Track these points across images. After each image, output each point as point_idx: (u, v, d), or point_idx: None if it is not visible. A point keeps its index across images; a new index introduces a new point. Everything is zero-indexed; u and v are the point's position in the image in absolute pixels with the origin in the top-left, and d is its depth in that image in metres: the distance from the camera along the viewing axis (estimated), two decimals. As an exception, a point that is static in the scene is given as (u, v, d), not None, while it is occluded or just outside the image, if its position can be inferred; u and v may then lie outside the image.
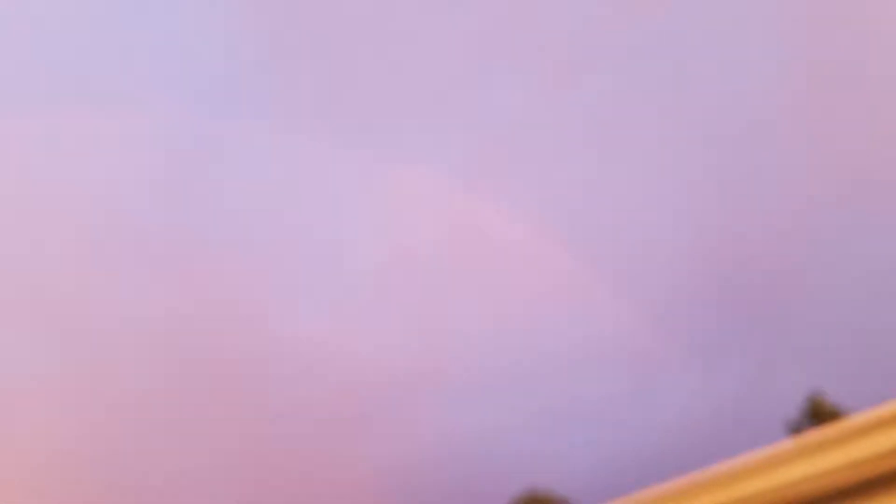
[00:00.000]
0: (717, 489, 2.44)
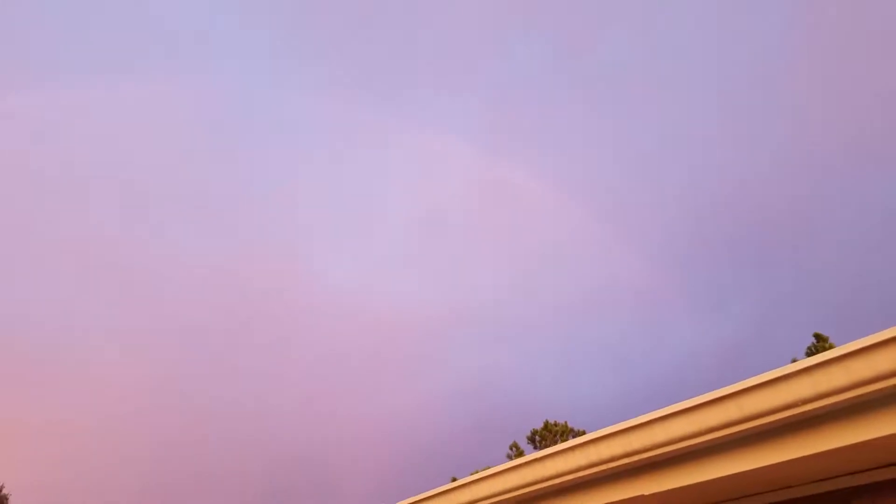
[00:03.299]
0: (729, 405, 2.58)
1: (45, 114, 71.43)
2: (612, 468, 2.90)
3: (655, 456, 2.79)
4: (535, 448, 30.35)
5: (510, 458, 29.18)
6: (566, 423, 30.21)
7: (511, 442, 31.38)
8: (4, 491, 40.52)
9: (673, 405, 2.69)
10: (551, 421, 30.55)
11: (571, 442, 3.01)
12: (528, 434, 30.62)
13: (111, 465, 70.09)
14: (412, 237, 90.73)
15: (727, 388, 2.57)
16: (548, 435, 29.65)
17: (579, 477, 3.02)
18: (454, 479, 4.12)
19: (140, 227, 78.65)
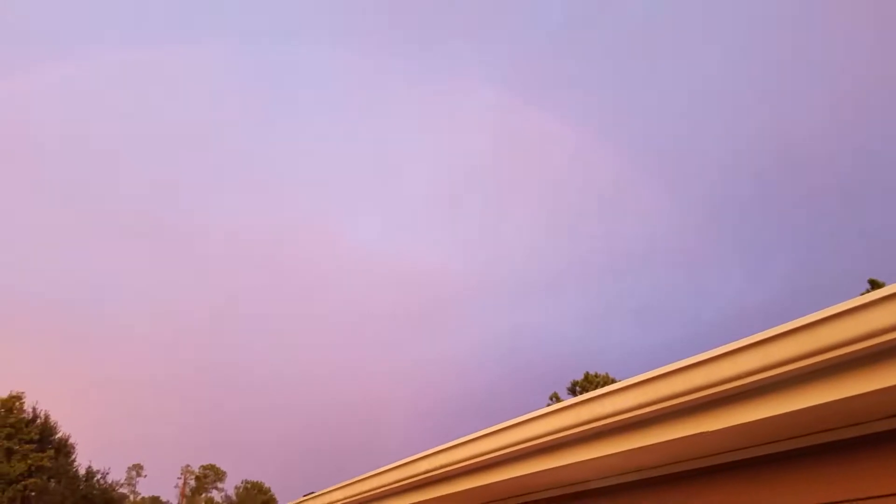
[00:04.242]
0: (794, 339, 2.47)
1: (82, 85, 72.54)
2: (673, 406, 2.82)
3: (720, 392, 2.70)
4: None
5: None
6: (607, 374, 30.19)
7: (551, 392, 31.61)
8: (71, 441, 42.44)
9: (742, 339, 2.59)
10: (592, 373, 30.57)
11: (630, 380, 2.93)
12: (569, 385, 30.73)
13: (155, 416, 72.81)
14: (442, 194, 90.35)
15: (801, 318, 2.45)
16: (588, 386, 29.66)
17: (637, 416, 2.95)
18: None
19: (175, 198, 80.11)
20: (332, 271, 79.43)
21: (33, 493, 38.91)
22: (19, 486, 37.93)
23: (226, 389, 75.25)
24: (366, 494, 5.32)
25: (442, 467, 4.25)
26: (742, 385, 2.66)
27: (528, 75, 77.53)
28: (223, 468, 66.60)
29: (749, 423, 2.78)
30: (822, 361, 2.46)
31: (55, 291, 71.27)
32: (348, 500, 5.58)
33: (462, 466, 4.00)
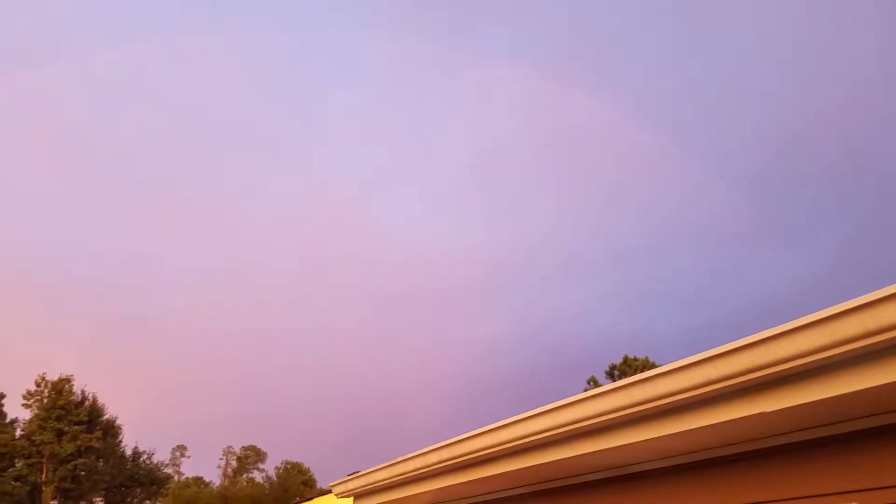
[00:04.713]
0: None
1: (128, 74, 73.83)
2: (732, 385, 2.76)
3: (780, 371, 2.63)
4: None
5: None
6: (647, 357, 29.87)
7: (588, 376, 31.38)
8: (118, 422, 43.67)
9: (804, 317, 2.51)
10: (630, 356, 30.29)
11: (685, 360, 2.87)
12: (607, 369, 30.50)
13: (198, 398, 74.42)
14: (472, 175, 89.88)
15: (862, 297, 2.37)
16: (627, 370, 29.41)
17: (694, 396, 2.89)
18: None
19: (211, 183, 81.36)
20: (365, 253, 79.92)
21: (83, 473, 40.20)
22: (69, 466, 39.20)
23: (265, 372, 76.59)
24: (410, 474, 5.35)
25: (487, 448, 4.25)
26: (802, 364, 2.58)
27: (559, 54, 76.68)
28: (264, 449, 68.01)
29: (808, 403, 2.71)
30: (883, 341, 2.38)
31: (105, 276, 73.14)
32: (393, 479, 5.63)
33: (507, 448, 3.98)
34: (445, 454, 4.71)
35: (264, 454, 68.19)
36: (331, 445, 73.36)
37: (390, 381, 78.35)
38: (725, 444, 3.37)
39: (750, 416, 2.84)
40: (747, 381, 2.71)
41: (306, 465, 60.98)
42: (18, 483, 37.67)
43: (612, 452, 3.52)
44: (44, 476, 39.25)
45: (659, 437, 3.19)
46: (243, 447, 68.81)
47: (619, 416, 3.19)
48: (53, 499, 39.66)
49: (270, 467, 64.50)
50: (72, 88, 72.39)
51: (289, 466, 60.84)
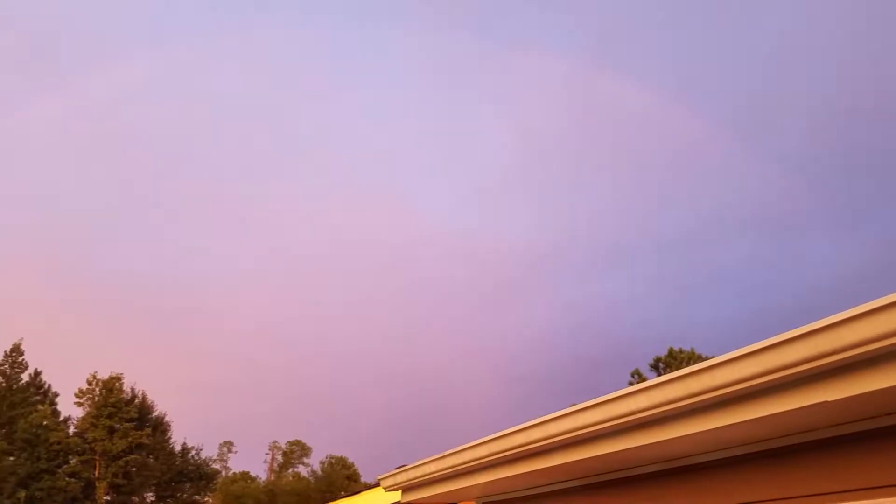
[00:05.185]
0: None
1: (167, 73, 75.37)
2: (793, 374, 2.69)
3: (844, 359, 2.55)
4: (659, 375, 29.89)
5: (632, 385, 28.87)
6: (692, 349, 29.39)
7: (633, 369, 31.04)
8: (167, 419, 44.69)
9: (869, 303, 2.43)
10: (676, 348, 29.82)
11: (745, 349, 2.80)
12: (651, 361, 30.10)
13: (244, 394, 75.68)
14: (512, 164, 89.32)
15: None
16: (672, 362, 28.98)
17: (753, 385, 2.83)
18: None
19: (253, 177, 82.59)
20: (410, 248, 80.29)
21: (134, 469, 41.24)
22: (121, 462, 40.24)
23: (309, 368, 77.58)
24: (459, 467, 5.35)
25: (537, 441, 4.22)
26: (867, 352, 2.50)
27: (600, 41, 75.79)
28: (308, 444, 68.89)
29: (872, 392, 2.62)
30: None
31: (150, 272, 74.87)
32: (442, 472, 5.63)
33: (559, 441, 3.95)
34: (495, 447, 4.70)
35: (309, 449, 69.06)
36: (374, 440, 73.99)
37: (434, 375, 78.69)
38: (785, 434, 3.29)
39: (811, 405, 2.77)
40: (809, 369, 2.64)
41: (350, 459, 61.61)
42: (73, 479, 38.80)
43: (667, 445, 3.47)
44: (97, 472, 40.37)
45: (716, 429, 3.13)
46: (288, 442, 69.77)
47: (675, 408, 3.13)
48: (106, 494, 40.77)
49: (315, 462, 65.32)
50: (121, 94, 74.12)
51: (333, 461, 61.50)
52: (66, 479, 38.49)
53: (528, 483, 5.22)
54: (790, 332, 2.63)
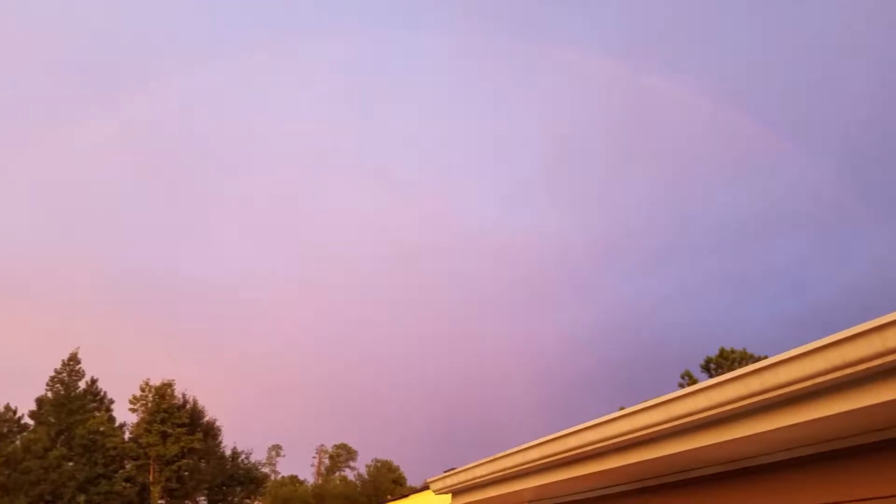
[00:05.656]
0: None
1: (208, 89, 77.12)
2: (859, 372, 2.60)
3: (916, 356, 2.46)
4: (710, 376, 29.28)
5: (682, 387, 28.38)
6: (744, 349, 28.72)
7: (683, 370, 30.48)
8: (217, 424, 45.56)
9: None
10: (727, 348, 29.19)
11: (808, 346, 2.72)
12: (702, 362, 29.52)
13: (291, 399, 76.62)
14: (552, 164, 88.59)
15: None
16: (724, 363, 28.40)
17: (817, 384, 2.74)
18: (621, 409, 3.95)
19: (299, 186, 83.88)
20: (452, 249, 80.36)
21: (186, 473, 42.09)
22: (174, 467, 41.12)
23: (354, 372, 78.24)
24: (510, 470, 5.32)
25: (591, 444, 4.17)
26: (941, 348, 2.41)
27: (638, 32, 74.87)
28: (354, 447, 69.44)
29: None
30: None
31: (198, 280, 76.54)
32: (492, 475, 5.61)
33: (616, 442, 3.89)
34: (547, 450, 4.66)
35: (355, 452, 69.63)
36: (419, 444, 74.16)
37: (477, 379, 78.54)
38: (854, 433, 3.18)
39: (878, 403, 2.67)
40: (877, 365, 2.55)
41: (395, 462, 61.88)
42: (129, 484, 39.78)
43: (728, 446, 3.39)
44: (151, 477, 41.32)
45: (779, 429, 3.04)
46: (335, 445, 70.47)
47: (736, 408, 3.06)
48: (161, 498, 41.69)
49: (361, 465, 65.82)
50: (173, 108, 76.08)
51: (379, 464, 61.86)
52: (123, 483, 39.48)
53: (581, 486, 5.16)
54: (856, 327, 2.54)
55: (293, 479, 62.96)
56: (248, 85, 78.79)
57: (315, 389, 77.87)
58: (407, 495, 10.75)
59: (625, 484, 4.84)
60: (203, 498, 45.29)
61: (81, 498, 37.30)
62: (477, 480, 5.87)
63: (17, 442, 38.82)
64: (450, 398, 78.41)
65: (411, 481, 56.72)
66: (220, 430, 45.98)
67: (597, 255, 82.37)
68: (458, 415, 77.73)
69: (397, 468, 61.18)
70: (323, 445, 70.49)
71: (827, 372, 2.67)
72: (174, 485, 41.39)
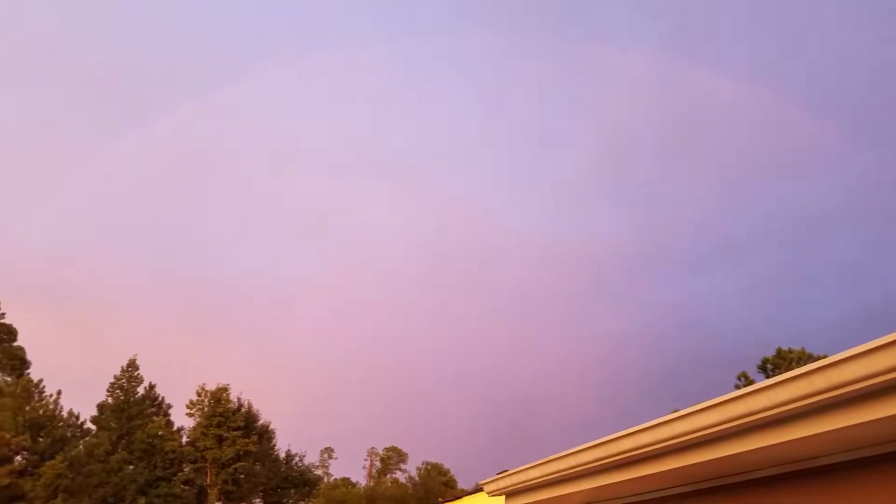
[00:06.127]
0: None
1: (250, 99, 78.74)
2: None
3: None
4: (767, 377, 28.51)
5: (738, 388, 27.66)
6: (803, 348, 27.89)
7: (739, 371, 29.77)
8: (271, 427, 46.38)
9: None
10: (785, 347, 28.40)
11: (875, 342, 2.62)
12: (759, 363, 28.78)
13: (342, 402, 77.47)
14: (599, 163, 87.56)
15: None
16: (781, 363, 27.64)
17: (885, 381, 2.64)
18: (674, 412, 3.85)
19: (339, 194, 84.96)
20: (497, 252, 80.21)
21: (242, 476, 42.92)
22: (230, 470, 41.98)
23: (403, 374, 78.72)
24: (564, 473, 5.27)
25: (647, 446, 4.10)
26: None
27: (685, 27, 73.57)
28: (404, 450, 69.77)
29: None
30: None
31: (247, 287, 78.10)
32: (546, 477, 5.57)
33: (673, 444, 3.82)
34: (601, 452, 4.60)
35: (405, 455, 69.92)
36: (468, 447, 74.10)
37: (528, 382, 78.21)
38: (924, 434, 3.05)
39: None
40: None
41: (445, 465, 61.96)
42: (187, 486, 40.77)
43: (790, 446, 3.29)
44: (208, 479, 42.26)
45: (844, 428, 2.94)
46: (385, 448, 70.91)
47: (799, 407, 2.97)
48: (218, 500, 42.60)
49: (412, 468, 66.06)
50: (214, 116, 77.89)
51: (429, 467, 62.02)
52: (181, 486, 40.47)
53: (636, 489, 5.08)
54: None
55: (345, 482, 63.57)
56: (288, 95, 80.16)
57: (365, 393, 78.59)
58: (460, 497, 10.74)
59: (681, 486, 4.74)
60: (259, 500, 46.11)
61: (142, 500, 38.38)
62: (531, 482, 5.84)
63: (81, 446, 40.18)
64: (499, 402, 78.20)
65: (463, 484, 56.72)
66: (274, 433, 46.79)
67: (647, 256, 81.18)
68: (507, 419, 77.46)
69: (448, 470, 61.27)
70: (373, 448, 71.04)
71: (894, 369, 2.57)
72: (230, 487, 42.24)
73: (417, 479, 61.18)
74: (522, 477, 5.90)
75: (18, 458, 40.22)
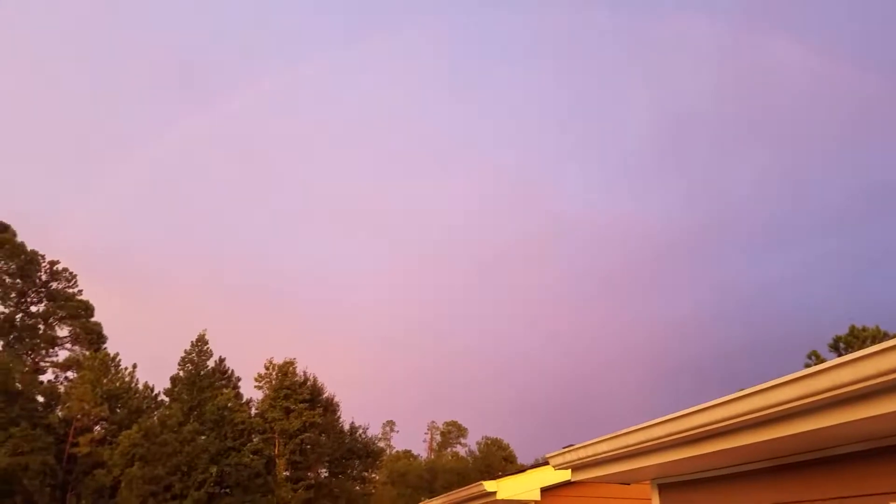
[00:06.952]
0: None
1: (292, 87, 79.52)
2: None
3: None
4: (839, 356, 27.52)
5: (808, 367, 26.78)
6: (877, 326, 26.81)
7: (809, 350, 28.86)
8: (336, 400, 47.52)
9: None
10: (858, 326, 27.32)
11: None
12: (830, 342, 27.80)
13: (404, 377, 78.62)
14: (658, 142, 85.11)
15: None
16: (854, 341, 26.64)
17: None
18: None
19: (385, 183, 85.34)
20: (552, 234, 79.57)
21: (308, 447, 44.13)
22: (297, 440, 43.22)
23: (465, 353, 79.31)
24: (632, 447, 5.24)
25: (721, 421, 4.04)
26: None
27: (757, 5, 70.70)
28: (464, 425, 70.45)
29: None
30: None
31: (318, 273, 79.87)
32: (614, 452, 5.55)
33: (749, 419, 3.75)
34: (673, 427, 4.55)
35: (465, 430, 70.59)
36: (527, 424, 74.34)
37: (588, 362, 77.75)
38: None
39: None
40: None
41: (505, 441, 62.27)
42: (256, 456, 42.18)
43: (875, 422, 3.20)
44: (276, 450, 43.62)
45: (935, 405, 2.84)
46: (446, 422, 71.71)
47: (886, 381, 2.88)
48: (286, 470, 43.96)
49: (471, 442, 66.69)
50: (263, 108, 79.27)
51: (489, 441, 62.46)
52: (251, 455, 41.89)
53: (709, 464, 5.02)
54: None
55: (407, 454, 64.67)
56: (337, 83, 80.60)
57: (426, 369, 79.54)
58: (523, 470, 10.81)
59: (756, 462, 4.67)
60: (324, 470, 47.38)
61: (214, 469, 39.90)
62: (598, 457, 5.82)
63: (155, 417, 42.02)
64: (558, 381, 78.01)
65: (522, 459, 56.97)
66: (338, 405, 47.86)
67: (707, 237, 79.12)
68: (565, 398, 77.26)
69: (507, 445, 61.57)
70: (434, 422, 71.94)
71: None
72: (297, 457, 43.51)
73: (478, 452, 61.73)
74: (590, 451, 5.90)
75: (97, 427, 42.34)
